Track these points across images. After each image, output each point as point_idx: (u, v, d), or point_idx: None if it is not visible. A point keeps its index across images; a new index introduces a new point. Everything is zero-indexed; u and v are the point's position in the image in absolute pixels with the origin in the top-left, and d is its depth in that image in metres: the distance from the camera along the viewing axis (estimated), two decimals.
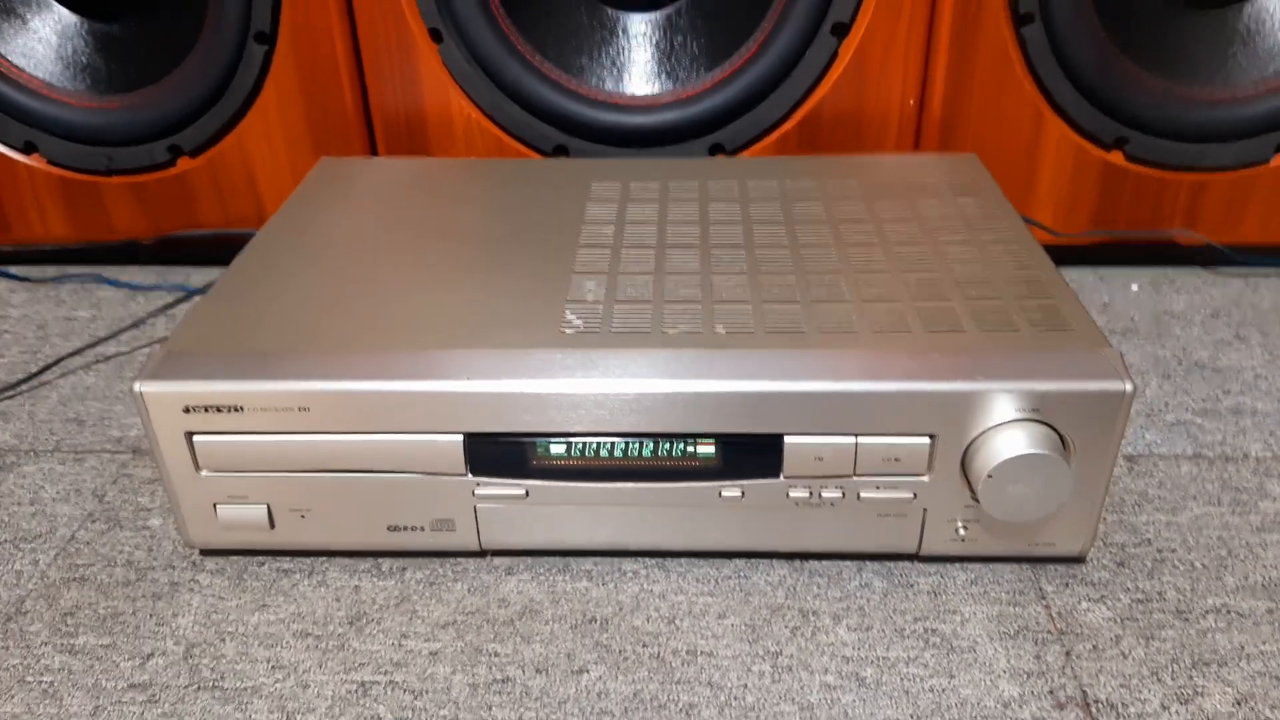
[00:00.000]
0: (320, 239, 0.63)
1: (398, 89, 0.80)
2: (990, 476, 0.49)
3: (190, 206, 0.85)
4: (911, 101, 0.78)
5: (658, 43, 0.80)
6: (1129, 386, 0.48)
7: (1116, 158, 0.80)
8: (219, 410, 0.50)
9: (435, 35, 0.78)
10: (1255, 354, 0.73)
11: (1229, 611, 0.52)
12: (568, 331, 0.53)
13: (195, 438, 0.51)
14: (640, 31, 0.80)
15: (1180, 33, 0.78)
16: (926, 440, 0.50)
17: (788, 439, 0.50)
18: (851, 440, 0.50)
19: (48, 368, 0.74)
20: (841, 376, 0.49)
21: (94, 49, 0.83)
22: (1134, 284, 0.82)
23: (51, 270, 0.88)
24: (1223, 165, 0.79)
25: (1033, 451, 0.48)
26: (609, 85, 0.80)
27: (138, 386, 0.50)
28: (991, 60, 0.76)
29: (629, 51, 0.80)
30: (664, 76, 0.80)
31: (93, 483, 0.63)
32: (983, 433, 0.49)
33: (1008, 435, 0.49)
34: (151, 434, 0.51)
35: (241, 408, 0.50)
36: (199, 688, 0.49)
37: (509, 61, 0.78)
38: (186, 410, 0.51)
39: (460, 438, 0.51)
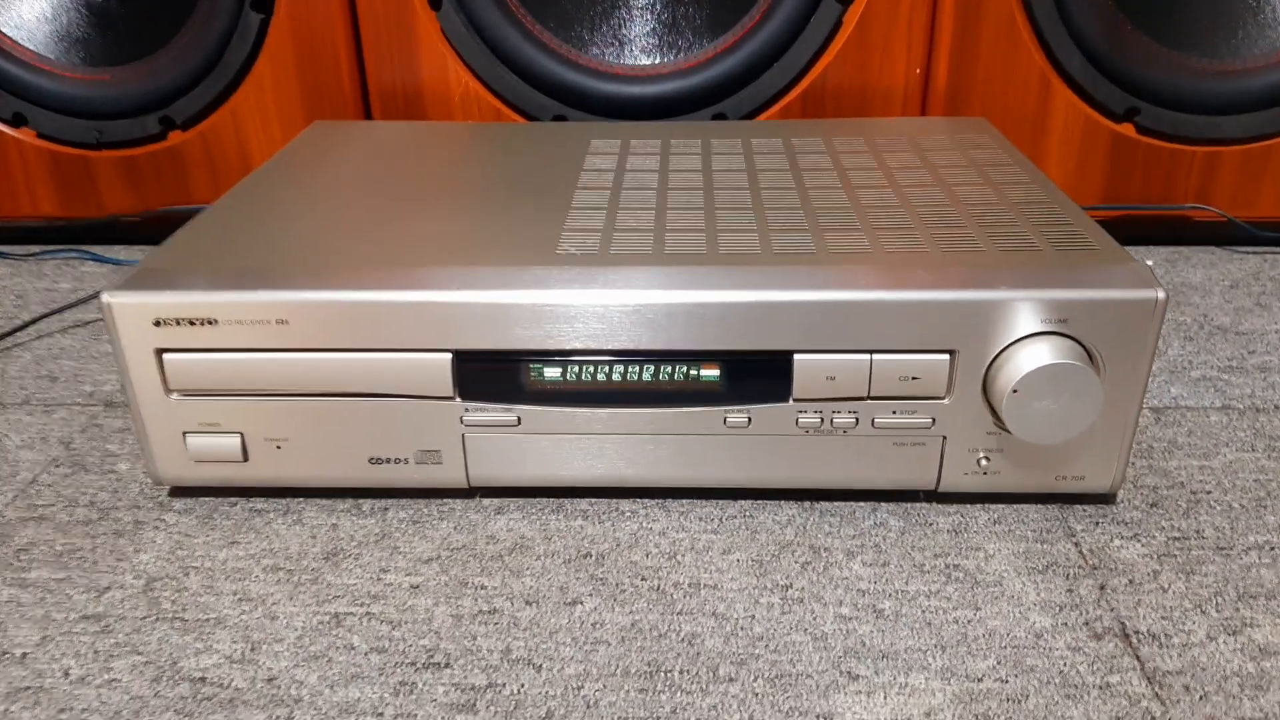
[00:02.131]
0: (310, 182, 0.61)
1: (395, 58, 0.78)
2: (1015, 392, 0.45)
3: (181, 181, 0.83)
4: (917, 71, 0.77)
5: (659, 12, 0.79)
6: (1161, 295, 0.46)
7: (1127, 129, 0.78)
8: (191, 324, 0.47)
9: (434, 2, 0.76)
10: (1278, 318, 0.70)
11: (1273, 548, 0.48)
12: (564, 252, 0.50)
13: (165, 355, 0.48)
14: (641, 1, 0.79)
15: (1189, 3, 0.77)
16: (946, 357, 0.47)
17: (797, 357, 0.47)
18: (866, 358, 0.47)
19: (23, 327, 0.71)
20: (854, 286, 0.46)
21: (87, 21, 0.81)
22: (1149, 260, 0.80)
23: (37, 248, 0.85)
24: (1234, 138, 0.77)
25: (1061, 361, 0.45)
26: (609, 55, 0.79)
27: (105, 298, 0.47)
28: (998, 26, 0.75)
29: (630, 21, 0.79)
30: (665, 46, 0.79)
31: (60, 432, 0.60)
32: (1006, 347, 0.46)
33: (1033, 348, 0.46)
34: (119, 352, 0.48)
35: (215, 320, 0.47)
36: (157, 619, 0.45)
37: (508, 30, 0.76)
38: (157, 324, 0.47)
39: (449, 356, 0.48)
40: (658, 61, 0.79)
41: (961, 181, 0.58)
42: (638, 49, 0.79)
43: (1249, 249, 0.81)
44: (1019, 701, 0.40)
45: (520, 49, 0.77)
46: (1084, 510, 0.51)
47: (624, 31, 0.79)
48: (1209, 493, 0.52)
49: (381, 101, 0.80)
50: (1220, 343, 0.67)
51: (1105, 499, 0.52)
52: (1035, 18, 0.75)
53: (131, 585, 0.47)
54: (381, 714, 0.40)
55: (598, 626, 0.44)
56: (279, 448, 0.50)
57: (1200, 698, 0.40)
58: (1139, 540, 0.49)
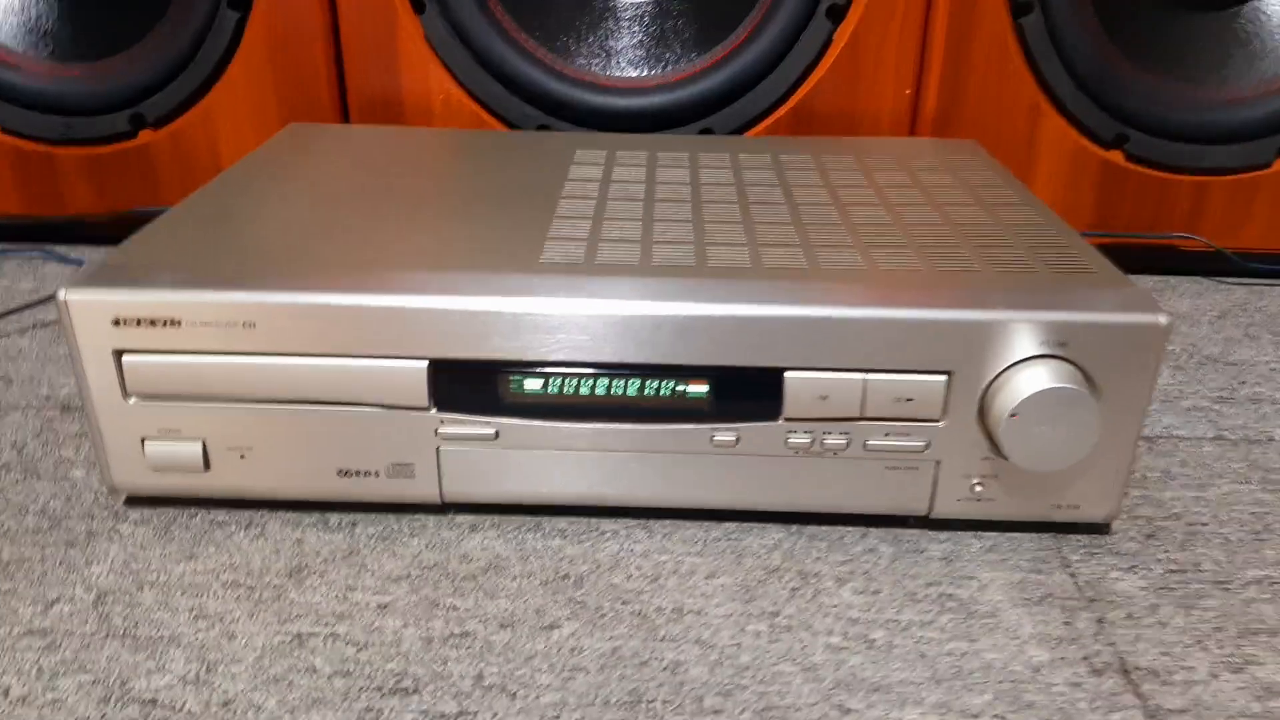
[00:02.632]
0: (284, 184, 0.58)
1: (375, 61, 0.76)
2: (1013, 416, 0.44)
3: (150, 182, 0.80)
4: (908, 92, 0.76)
5: (647, 25, 0.78)
6: (1164, 320, 0.44)
7: (1116, 157, 0.77)
8: (152, 324, 0.45)
9: (417, 5, 0.75)
10: (1267, 351, 0.69)
11: (1273, 583, 0.47)
12: (548, 261, 0.48)
13: (125, 357, 0.46)
14: (629, 12, 0.78)
15: (1179, 32, 0.76)
16: (942, 379, 0.45)
17: (788, 374, 0.45)
18: (860, 377, 0.45)
19: None
20: (849, 303, 0.45)
21: (57, 13, 0.79)
22: None
23: None
24: (1224, 168, 0.77)
25: (1061, 386, 0.43)
26: (595, 66, 0.77)
27: (62, 294, 0.45)
28: (989, 50, 0.74)
29: (617, 33, 0.78)
30: (652, 59, 0.78)
31: (13, 436, 0.57)
32: (1004, 370, 0.45)
33: (1032, 372, 0.44)
34: (75, 353, 0.46)
35: (179, 321, 0.45)
36: (108, 635, 0.42)
37: (493, 36, 0.75)
38: (116, 323, 0.45)
39: (424, 365, 0.45)
40: (644, 74, 0.78)
41: (954, 202, 0.57)
42: (624, 61, 0.78)
43: (1236, 280, 0.81)
44: None
45: (505, 56, 0.75)
46: (1079, 540, 0.49)
47: (611, 43, 0.78)
48: (1205, 525, 0.51)
49: (360, 106, 0.78)
50: (1210, 373, 0.67)
51: (1100, 529, 0.50)
52: (1027, 42, 0.74)
53: (81, 599, 0.44)
54: None
55: (576, 652, 0.42)
56: (242, 457, 0.48)
57: None
58: (1136, 572, 0.47)
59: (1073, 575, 0.47)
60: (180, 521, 0.49)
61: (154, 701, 0.39)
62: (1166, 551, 0.49)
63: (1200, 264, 0.81)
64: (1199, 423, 0.61)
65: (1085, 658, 0.42)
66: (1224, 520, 0.51)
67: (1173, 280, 0.81)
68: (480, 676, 0.41)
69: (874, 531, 0.50)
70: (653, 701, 0.40)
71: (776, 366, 0.45)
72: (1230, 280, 0.81)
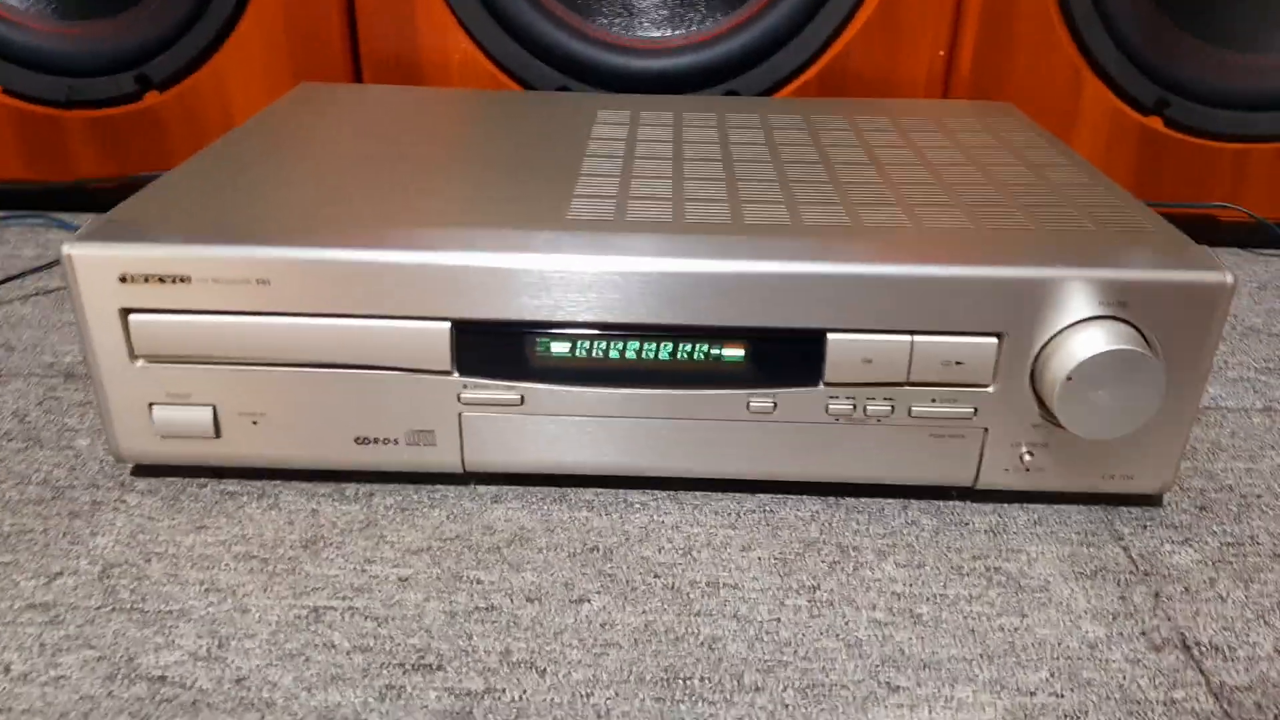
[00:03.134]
0: (297, 141, 0.56)
1: (390, 20, 0.74)
2: (1070, 380, 0.41)
3: (158, 145, 0.78)
4: (941, 53, 0.73)
5: None
6: (1229, 278, 0.42)
7: (1155, 123, 0.74)
8: (161, 280, 0.43)
9: None
10: None
11: None
12: (575, 218, 0.46)
13: (131, 316, 0.43)
14: None
15: None
16: (993, 341, 0.43)
17: (831, 336, 0.43)
18: (906, 339, 0.43)
19: None
20: (895, 260, 0.42)
21: None
22: None
23: (0, 212, 0.80)
24: (1264, 135, 0.74)
25: (1122, 348, 0.41)
26: (617, 26, 0.75)
27: (66, 249, 0.42)
28: (1028, 11, 0.72)
29: None
30: (676, 19, 0.75)
31: (15, 404, 0.54)
32: (1059, 332, 0.42)
33: (1089, 333, 0.42)
34: (79, 312, 0.43)
35: (189, 278, 0.43)
36: (114, 609, 0.40)
37: None
38: (123, 280, 0.43)
39: (447, 325, 0.43)
40: (668, 34, 0.75)
41: (997, 162, 0.55)
42: (648, 21, 0.75)
43: (1274, 251, 0.78)
44: (1077, 718, 0.36)
45: (524, 15, 0.72)
46: (1129, 512, 0.47)
47: (634, 2, 0.75)
48: (1259, 497, 0.49)
49: (373, 66, 0.75)
50: (1255, 344, 0.64)
51: (1150, 501, 0.48)
52: (1068, 4, 0.71)
53: (86, 572, 0.42)
54: None
55: (607, 627, 0.40)
56: (255, 423, 0.46)
57: (1275, 717, 0.36)
58: (1191, 545, 0.45)
59: (1125, 548, 0.45)
60: (190, 491, 0.47)
61: (163, 678, 0.37)
62: (1221, 524, 0.47)
63: (1240, 235, 0.78)
64: (1246, 393, 0.58)
65: (1143, 633, 0.40)
66: (1278, 492, 0.49)
67: (1211, 251, 0.78)
68: (507, 652, 0.39)
69: (915, 503, 0.47)
70: (690, 679, 0.38)
71: (818, 328, 0.43)
72: (1270, 251, 0.78)
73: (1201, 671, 0.38)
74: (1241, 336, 0.65)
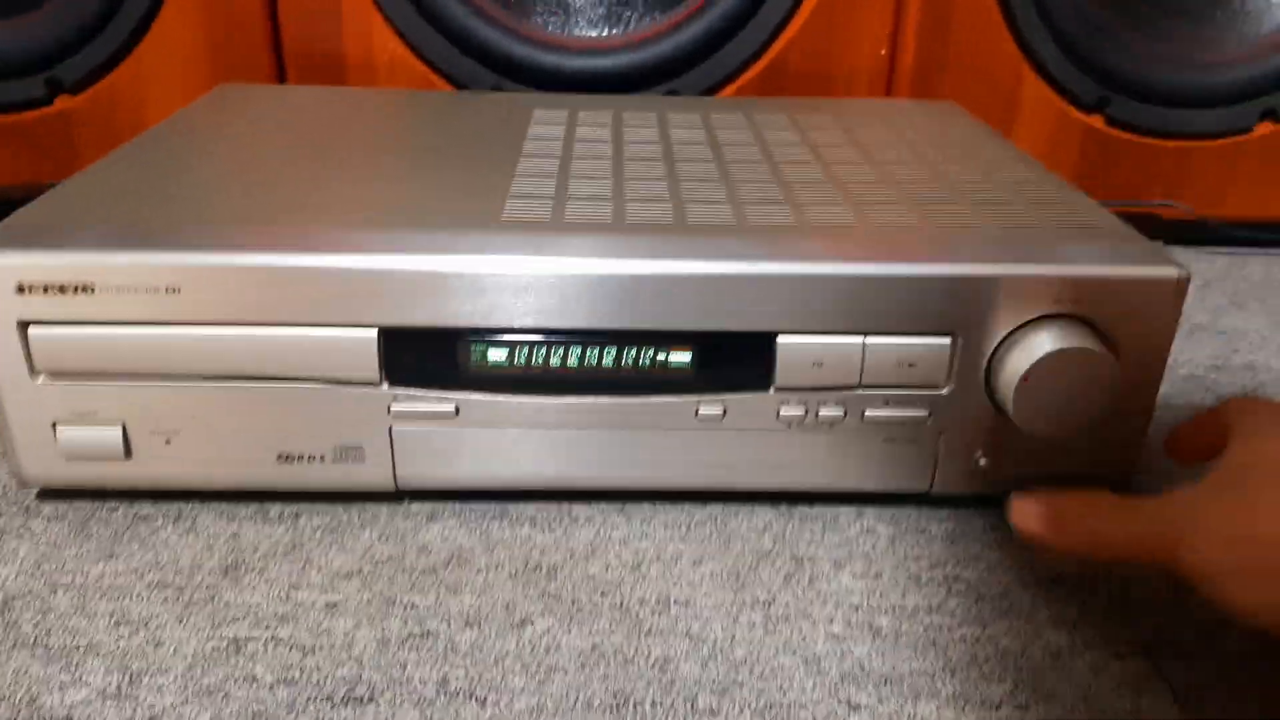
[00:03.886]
0: (213, 142, 0.53)
1: (315, 18, 0.71)
2: (1025, 380, 0.40)
3: (71, 152, 0.74)
4: (883, 52, 0.72)
5: None
6: (1183, 273, 0.41)
7: (1097, 122, 0.74)
8: (62, 291, 0.39)
9: None
10: (1257, 319, 0.67)
11: None
12: (511, 219, 0.43)
13: (31, 329, 0.40)
14: None
15: None
16: (947, 340, 0.41)
17: (781, 339, 0.41)
18: (858, 340, 0.41)
19: None
20: (846, 259, 0.41)
21: None
22: None
23: None
24: (1205, 132, 0.74)
25: (1078, 346, 0.40)
26: (553, 25, 0.73)
27: None
28: (968, 8, 0.71)
29: None
30: (613, 18, 0.73)
31: None
32: (1013, 331, 0.41)
33: (1044, 332, 0.40)
34: None
35: (92, 287, 0.39)
36: (15, 645, 0.37)
37: None
38: (20, 290, 0.39)
39: (374, 332, 0.41)
40: (605, 34, 0.73)
41: (943, 159, 0.54)
42: (584, 20, 0.73)
43: (1218, 249, 0.78)
44: None
45: (455, 13, 0.70)
46: None
47: (570, 0, 0.73)
48: None
49: (298, 66, 0.72)
50: (1202, 341, 0.64)
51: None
52: (1008, 1, 0.71)
53: None
54: None
55: (552, 651, 0.37)
56: (168, 442, 0.42)
57: None
58: None
59: None
60: (99, 516, 0.44)
61: (68, 719, 0.34)
62: None
63: (1182, 232, 0.79)
64: (1196, 390, 0.58)
65: (1105, 641, 0.39)
66: None
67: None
68: (445, 681, 0.36)
69: (869, 511, 0.46)
70: (640, 703, 0.35)
71: (768, 331, 0.41)
72: (1212, 249, 0.78)
73: (1163, 677, 0.37)
74: (1189, 334, 0.65)
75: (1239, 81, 0.73)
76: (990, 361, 0.42)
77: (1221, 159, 0.75)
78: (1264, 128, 0.74)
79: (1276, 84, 0.73)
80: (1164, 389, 0.56)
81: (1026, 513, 0.38)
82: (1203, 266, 0.75)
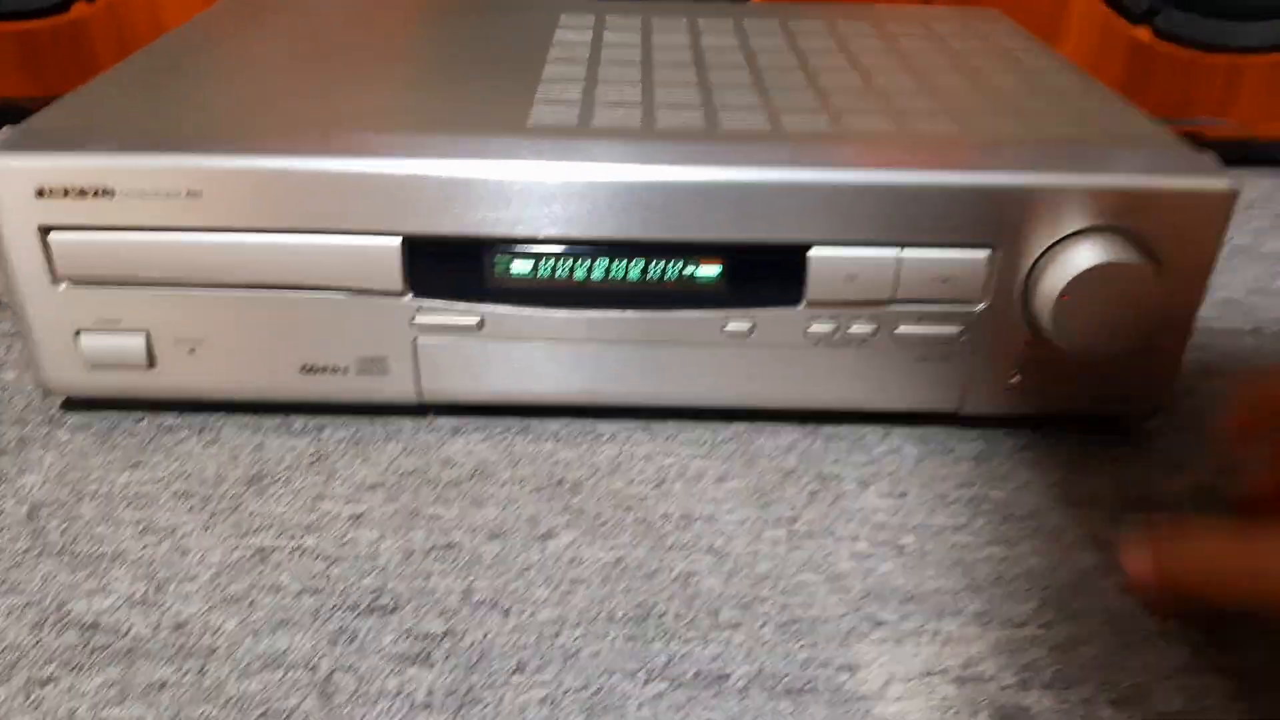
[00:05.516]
0: (234, 45, 0.51)
1: None
2: (1064, 296, 0.39)
3: (87, 61, 0.72)
4: None
5: None
6: (1233, 185, 0.39)
7: (1144, 34, 0.71)
8: (82, 194, 0.39)
9: None
10: None
11: None
12: (537, 124, 0.42)
13: (52, 235, 0.40)
14: None
15: None
16: (985, 253, 0.40)
17: (814, 251, 0.40)
18: (893, 252, 0.40)
19: None
20: (881, 166, 0.39)
21: None
22: None
23: None
24: (1255, 46, 0.71)
25: (1121, 260, 0.38)
26: None
27: None
28: None
29: None
30: None
31: None
32: (1053, 244, 0.40)
33: (1086, 246, 0.39)
34: None
35: (113, 191, 0.39)
36: (42, 553, 0.37)
37: None
38: (40, 194, 0.39)
39: (398, 241, 0.40)
40: None
41: (985, 67, 0.51)
42: None
43: (1262, 169, 0.76)
44: (1069, 650, 0.35)
45: None
46: (1119, 437, 0.45)
47: None
48: None
49: None
50: (1243, 264, 0.62)
51: (1142, 425, 0.46)
52: None
53: (12, 513, 0.39)
54: (315, 667, 0.33)
55: (575, 564, 0.37)
56: (192, 351, 0.42)
57: (1272, 645, 0.35)
58: (1182, 470, 0.43)
59: (1114, 475, 0.43)
60: (124, 426, 0.44)
61: (95, 625, 0.35)
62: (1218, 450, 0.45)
63: (1227, 151, 0.75)
64: (1234, 314, 0.56)
65: None
66: None
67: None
68: (469, 592, 0.36)
69: (896, 430, 0.45)
70: (663, 615, 0.35)
71: (800, 242, 0.40)
72: (1257, 169, 0.76)
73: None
74: (1229, 256, 0.63)
75: None
76: (1029, 276, 0.41)
77: (1272, 75, 0.72)
78: None
79: None
80: (1203, 312, 0.55)
81: (1141, 556, 0.34)
82: (1247, 188, 0.72)
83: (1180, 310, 0.41)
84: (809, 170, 0.39)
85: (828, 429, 0.45)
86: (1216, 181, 0.39)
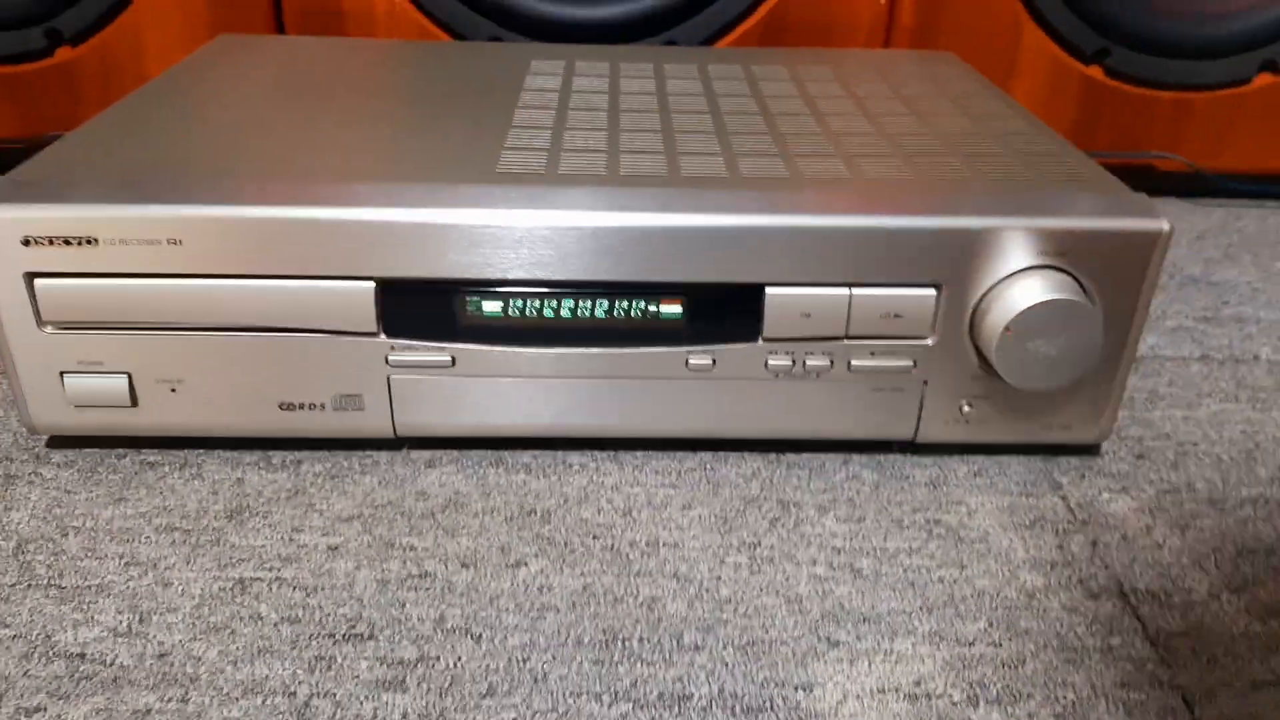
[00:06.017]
0: (213, 94, 0.53)
1: None
2: (1008, 331, 0.41)
3: (72, 104, 0.74)
4: (881, 1, 0.72)
5: None
6: (1165, 226, 0.42)
7: (1096, 73, 0.74)
8: (67, 243, 0.40)
9: None
10: (1249, 270, 0.68)
11: (1267, 501, 0.45)
12: (505, 170, 0.44)
13: (38, 281, 0.41)
14: None
15: None
16: (932, 292, 0.42)
17: (769, 290, 0.42)
18: (845, 292, 0.42)
19: None
20: (833, 211, 0.41)
21: None
22: None
23: None
24: (1205, 84, 0.74)
25: (1060, 297, 0.40)
26: None
27: None
28: None
29: None
30: None
31: None
32: (997, 283, 0.42)
33: (1027, 284, 0.41)
34: None
35: (96, 239, 0.40)
36: (29, 586, 0.39)
37: None
38: (26, 243, 0.40)
39: (371, 285, 0.42)
40: None
41: (937, 111, 0.54)
42: None
43: (1214, 201, 0.79)
44: (1015, 666, 0.36)
45: None
46: (1068, 462, 0.47)
47: None
48: (1196, 444, 0.49)
49: (296, 16, 0.72)
50: (1193, 293, 0.65)
51: (1089, 450, 0.48)
52: None
53: (0, 548, 0.41)
54: (294, 693, 0.35)
55: (545, 591, 0.39)
56: (173, 390, 0.44)
57: (1208, 661, 0.37)
58: (1128, 494, 0.45)
59: (1064, 498, 0.45)
60: (108, 463, 0.45)
61: (82, 655, 0.36)
62: (1158, 472, 0.47)
63: (1178, 184, 0.79)
64: (1184, 342, 0.59)
65: (1081, 581, 0.40)
66: (1214, 440, 0.49)
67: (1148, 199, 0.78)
68: (441, 619, 0.38)
69: (856, 458, 0.47)
70: (629, 640, 0.37)
71: (756, 282, 0.42)
72: (1208, 201, 0.79)
73: (1138, 618, 0.39)
74: (1180, 286, 0.66)
75: (1238, 32, 0.73)
76: (974, 313, 0.43)
77: (1220, 111, 0.75)
78: (1263, 79, 0.74)
79: (1276, 35, 0.73)
80: (1152, 341, 0.58)
81: None
82: (1198, 219, 0.75)
83: (1120, 342, 0.44)
84: (764, 215, 0.41)
85: (789, 457, 0.47)
86: (1151, 222, 0.42)
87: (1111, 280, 0.42)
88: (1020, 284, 0.41)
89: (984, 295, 0.42)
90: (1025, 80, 0.74)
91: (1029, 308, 0.40)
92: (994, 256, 0.42)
